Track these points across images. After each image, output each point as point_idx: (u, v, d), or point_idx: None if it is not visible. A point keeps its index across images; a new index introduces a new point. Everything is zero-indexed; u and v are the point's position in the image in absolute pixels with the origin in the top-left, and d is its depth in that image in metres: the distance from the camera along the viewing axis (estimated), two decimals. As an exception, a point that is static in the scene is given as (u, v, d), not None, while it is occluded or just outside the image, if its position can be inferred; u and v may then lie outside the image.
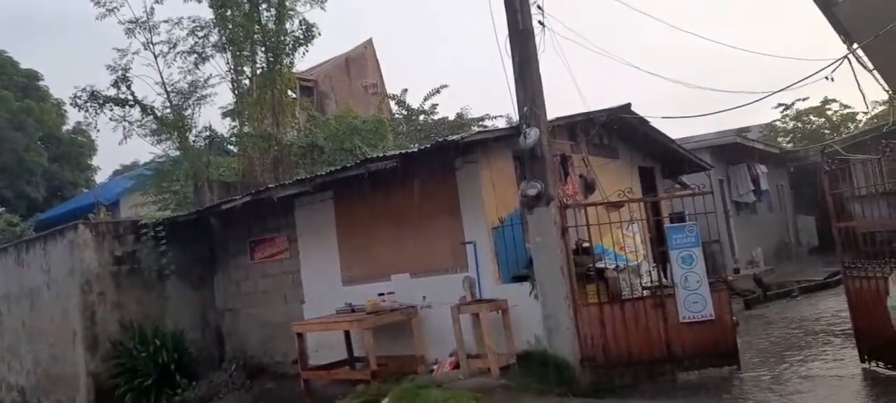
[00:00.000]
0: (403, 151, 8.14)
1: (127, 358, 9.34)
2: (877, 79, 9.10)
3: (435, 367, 7.66)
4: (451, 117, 17.70)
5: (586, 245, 7.56)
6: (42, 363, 10.49)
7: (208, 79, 13.62)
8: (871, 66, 8.76)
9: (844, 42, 8.92)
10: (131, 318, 9.83)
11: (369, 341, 7.57)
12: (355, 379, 7.62)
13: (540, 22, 7.72)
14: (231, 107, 14.34)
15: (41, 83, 28.42)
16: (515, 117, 7.80)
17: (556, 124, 8.14)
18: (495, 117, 17.22)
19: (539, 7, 7.74)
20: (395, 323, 8.00)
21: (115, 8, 13.31)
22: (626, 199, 7.95)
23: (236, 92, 13.73)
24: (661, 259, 7.60)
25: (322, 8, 13.91)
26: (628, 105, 9.90)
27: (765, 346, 8.11)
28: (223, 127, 14.50)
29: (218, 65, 13.70)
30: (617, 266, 7.53)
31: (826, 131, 24.07)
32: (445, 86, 17.73)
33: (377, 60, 22.68)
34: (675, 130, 12.87)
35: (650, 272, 7.76)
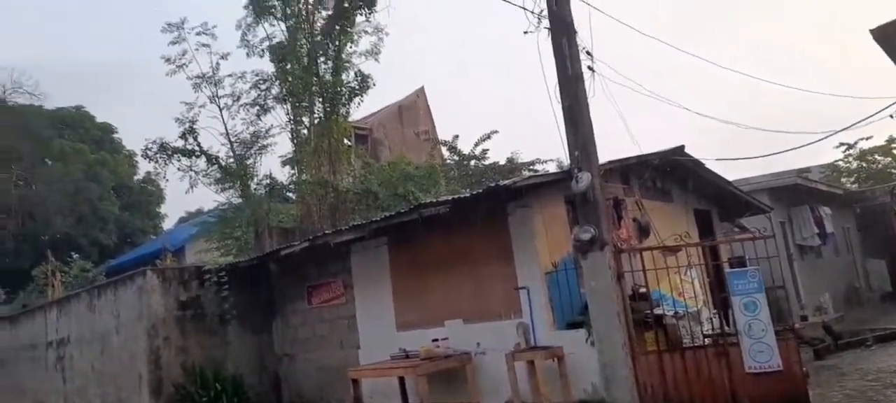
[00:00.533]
0: (456, 197, 8.27)
1: (189, 402, 9.61)
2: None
3: (490, 415, 7.59)
4: (502, 162, 17.89)
5: (643, 290, 7.43)
6: (110, 405, 10.90)
7: (269, 129, 14.32)
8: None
9: (910, 79, 8.61)
10: (194, 362, 10.14)
11: (423, 387, 7.57)
12: (410, 426, 7.62)
13: (589, 67, 7.80)
14: (290, 156, 14.93)
15: (115, 136, 30.36)
16: (566, 161, 7.83)
17: (608, 168, 8.11)
18: (546, 161, 17.33)
19: (588, 53, 7.83)
20: (450, 369, 7.99)
21: (184, 65, 14.24)
22: (683, 243, 7.81)
23: (295, 141, 14.33)
24: (723, 305, 7.38)
25: (376, 60, 14.46)
26: (682, 147, 9.78)
27: (839, 400, 7.66)
28: (282, 175, 15.13)
29: (278, 115, 14.38)
30: (676, 312, 7.35)
31: (893, 170, 22.97)
32: (496, 131, 18.01)
33: (429, 107, 23.22)
34: (730, 172, 12.61)
35: (711, 319, 7.54)
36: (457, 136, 18.68)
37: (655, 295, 7.49)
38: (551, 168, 16.18)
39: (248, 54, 14.57)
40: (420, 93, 23.39)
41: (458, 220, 8.08)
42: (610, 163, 8.38)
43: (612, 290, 6.97)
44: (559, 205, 8.37)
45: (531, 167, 17.35)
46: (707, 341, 7.20)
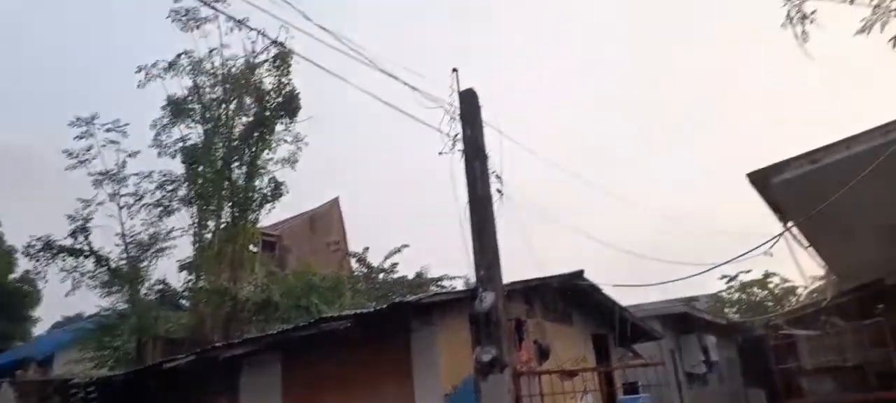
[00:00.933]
0: (359, 312, 8.09)
1: None
2: (811, 256, 9.69)
3: None
4: (411, 276, 17.85)
5: (541, 415, 7.38)
6: None
7: (170, 231, 13.83)
8: (805, 243, 9.38)
9: (780, 220, 9.61)
10: None
11: None
12: None
13: (498, 190, 8.12)
14: (189, 261, 14.25)
15: (-1, 229, 27.78)
16: (473, 279, 7.92)
17: (511, 288, 8.26)
18: (454, 278, 17.47)
19: (498, 176, 8.19)
20: None
21: (87, 160, 13.64)
22: (581, 368, 7.95)
23: (197, 245, 13.75)
24: (617, 432, 7.45)
25: (293, 168, 14.48)
26: (581, 271, 10.18)
27: None
28: (178, 281, 14.33)
29: (182, 218, 13.93)
30: (572, 439, 7.33)
31: (769, 303, 24.87)
32: (406, 245, 18.09)
33: (342, 218, 23.20)
34: (627, 298, 13.16)
35: (606, 446, 7.55)
36: (367, 248, 18.59)
37: (553, 421, 7.46)
38: (459, 285, 16.33)
39: (159, 154, 14.30)
40: (334, 204, 23.40)
41: (359, 336, 7.85)
42: (513, 283, 8.54)
43: (511, 415, 6.87)
44: (463, 325, 8.32)
45: (439, 283, 17.43)
46: (602, 469, 7.17)
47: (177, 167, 14.23)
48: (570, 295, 10.86)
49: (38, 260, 13.31)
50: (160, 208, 13.94)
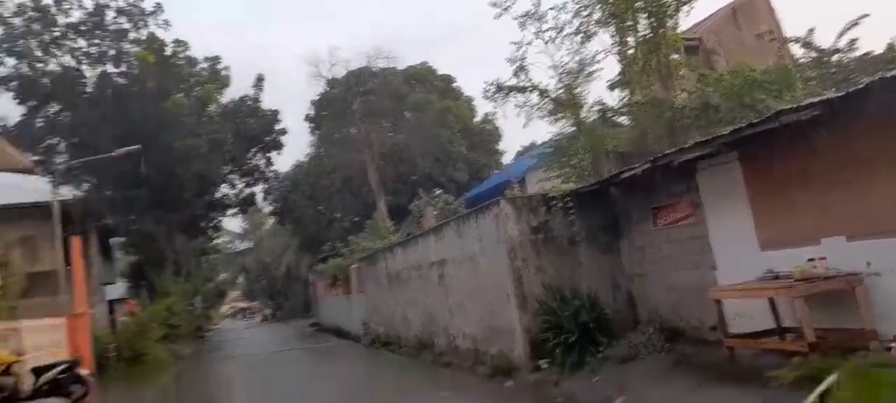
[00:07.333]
0: (826, 98, 7.09)
1: (552, 316, 10.53)
2: None
3: (894, 345, 6.52)
4: (879, 50, 14.57)
5: None
6: (484, 317, 12.67)
7: (594, 55, 14.37)
8: None
9: None
10: (550, 281, 11.05)
11: (804, 311, 6.88)
12: (789, 351, 7.05)
13: None
14: (618, 79, 14.76)
15: (454, 85, 34.30)
16: None
17: None
18: (948, 41, 13.53)
19: None
20: (832, 292, 7.08)
21: (509, 6, 15.13)
22: None
23: (622, 62, 14.07)
24: None
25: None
26: None
27: None
28: (611, 99, 15.08)
29: (602, 40, 14.31)
30: None
31: None
32: (866, 15, 14.65)
33: (769, 3, 20.28)
34: None
35: None
36: (812, 30, 15.79)
37: None
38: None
39: (567, -18, 14.73)
40: (758, -13, 20.57)
41: (829, 125, 6.96)
42: None
43: None
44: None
45: (923, 49, 13.76)
46: None
47: (586, -9, 14.47)
48: None
49: (494, 102, 15.74)
50: (580, 34, 14.53)
